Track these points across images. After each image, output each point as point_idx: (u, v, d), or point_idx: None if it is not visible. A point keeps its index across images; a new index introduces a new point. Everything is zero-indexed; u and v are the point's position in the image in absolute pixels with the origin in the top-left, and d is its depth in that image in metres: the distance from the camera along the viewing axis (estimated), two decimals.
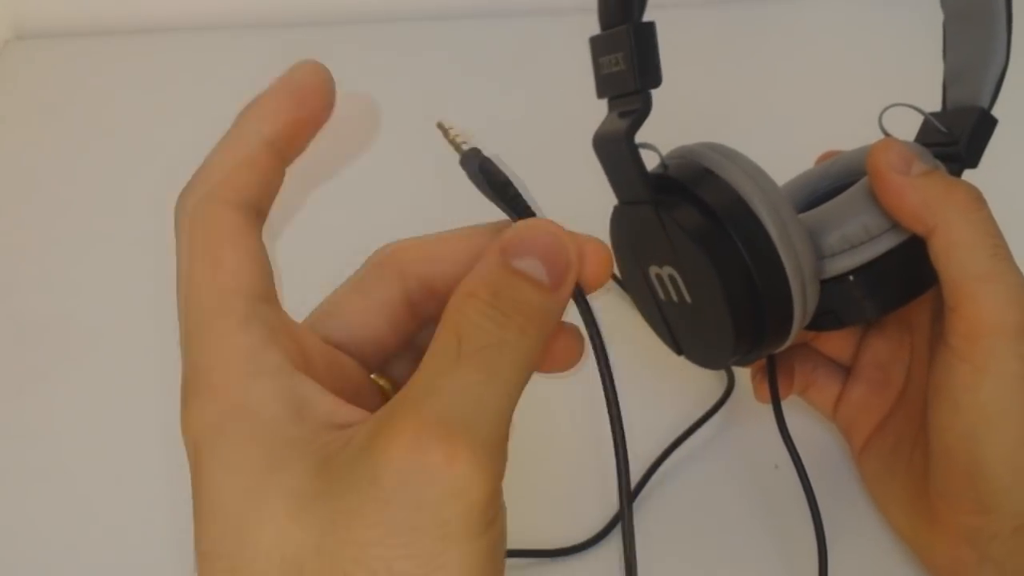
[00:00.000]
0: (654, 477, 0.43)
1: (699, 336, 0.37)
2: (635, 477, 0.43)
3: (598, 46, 0.33)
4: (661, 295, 0.37)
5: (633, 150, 0.32)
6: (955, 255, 0.33)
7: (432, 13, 0.71)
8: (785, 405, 0.41)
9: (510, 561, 0.40)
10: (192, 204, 0.24)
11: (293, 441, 0.22)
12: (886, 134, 0.37)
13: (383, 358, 0.27)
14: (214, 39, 0.69)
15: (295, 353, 0.23)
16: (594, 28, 0.33)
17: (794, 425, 0.40)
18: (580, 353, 0.26)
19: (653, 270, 0.36)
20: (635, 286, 0.39)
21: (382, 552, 0.20)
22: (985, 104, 0.36)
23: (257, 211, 0.24)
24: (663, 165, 0.36)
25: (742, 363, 0.38)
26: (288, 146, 0.25)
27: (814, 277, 0.35)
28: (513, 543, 0.39)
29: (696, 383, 0.46)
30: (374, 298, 0.26)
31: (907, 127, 0.38)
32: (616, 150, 0.33)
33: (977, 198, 0.33)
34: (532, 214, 0.25)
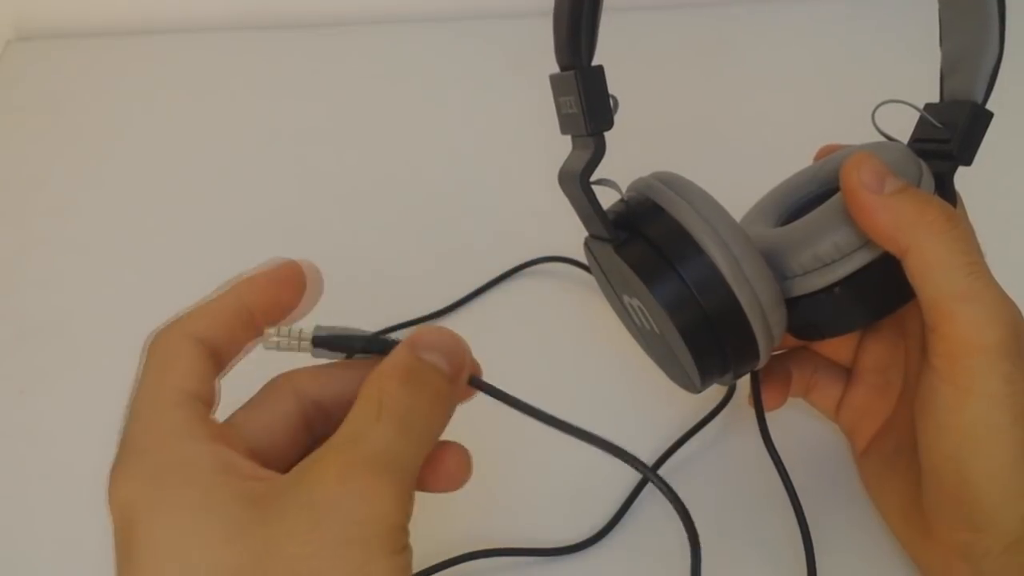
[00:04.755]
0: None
1: (672, 362, 0.37)
2: (634, 479, 0.43)
3: (556, 86, 0.33)
4: (636, 322, 0.37)
5: (588, 192, 0.33)
6: (930, 276, 0.32)
7: (431, 15, 0.71)
8: (783, 410, 0.41)
9: (512, 560, 0.40)
10: (157, 334, 0.28)
11: (224, 484, 0.25)
12: (880, 131, 0.37)
13: (284, 470, 0.29)
14: (215, 40, 0.69)
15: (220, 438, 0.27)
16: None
17: (794, 428, 0.39)
18: (468, 471, 0.30)
19: (626, 299, 0.36)
20: (618, 310, 0.39)
21: (316, 564, 0.24)
22: (979, 98, 0.34)
23: (213, 351, 0.28)
24: (623, 201, 0.36)
25: (723, 383, 0.38)
26: (260, 314, 0.29)
27: (776, 304, 0.34)
28: (513, 542, 0.40)
29: None
30: (274, 413, 0.29)
31: (904, 122, 0.38)
32: (575, 189, 0.33)
33: (950, 216, 0.32)
34: (391, 342, 0.29)
